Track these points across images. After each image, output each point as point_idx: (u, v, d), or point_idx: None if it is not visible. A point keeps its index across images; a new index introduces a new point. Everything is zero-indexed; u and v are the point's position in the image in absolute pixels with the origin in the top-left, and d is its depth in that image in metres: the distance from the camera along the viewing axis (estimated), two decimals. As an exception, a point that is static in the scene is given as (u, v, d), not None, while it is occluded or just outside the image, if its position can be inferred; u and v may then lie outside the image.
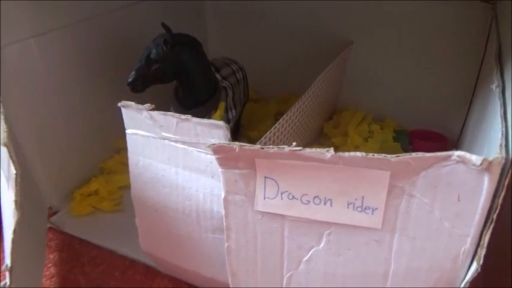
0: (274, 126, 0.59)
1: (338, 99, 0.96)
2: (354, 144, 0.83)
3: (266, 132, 0.58)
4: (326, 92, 0.81)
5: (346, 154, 0.35)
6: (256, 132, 0.86)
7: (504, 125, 0.38)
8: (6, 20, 0.59)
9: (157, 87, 0.65)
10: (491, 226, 0.34)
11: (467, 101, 0.80)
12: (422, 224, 0.37)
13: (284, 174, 0.39)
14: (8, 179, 0.46)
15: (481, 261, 0.35)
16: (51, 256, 0.65)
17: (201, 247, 0.50)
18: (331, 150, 0.36)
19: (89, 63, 0.74)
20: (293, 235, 0.41)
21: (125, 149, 0.51)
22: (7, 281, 0.42)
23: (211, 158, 0.43)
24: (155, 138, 0.47)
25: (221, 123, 0.41)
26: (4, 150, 0.43)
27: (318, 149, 0.36)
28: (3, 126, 0.45)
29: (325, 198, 0.38)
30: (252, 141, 0.84)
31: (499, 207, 0.34)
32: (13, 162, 0.42)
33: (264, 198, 0.40)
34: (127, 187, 0.71)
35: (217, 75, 0.72)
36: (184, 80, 0.65)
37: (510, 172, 0.34)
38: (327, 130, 0.89)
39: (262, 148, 0.37)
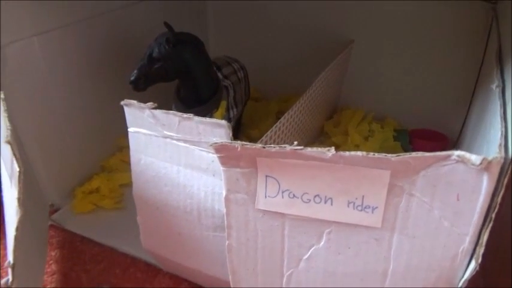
0: (275, 125, 0.60)
1: (339, 98, 0.96)
2: (354, 143, 0.84)
3: (267, 131, 0.59)
4: (327, 91, 0.81)
5: (347, 153, 0.36)
6: (257, 131, 0.87)
7: (504, 124, 0.38)
8: (8, 19, 0.59)
9: (158, 85, 0.65)
10: (490, 225, 0.35)
11: (468, 101, 0.81)
12: (422, 222, 0.37)
13: (285, 173, 0.39)
14: (11, 177, 0.46)
15: (480, 260, 0.35)
16: (53, 253, 0.65)
17: (202, 245, 0.50)
18: (332, 149, 0.36)
19: (91, 61, 0.74)
20: (293, 233, 0.41)
21: (127, 147, 0.51)
22: (9, 277, 0.42)
23: (212, 157, 0.44)
24: (157, 136, 0.47)
25: (223, 122, 0.42)
26: (8, 147, 0.43)
27: (319, 148, 0.36)
28: (7, 123, 0.45)
29: (325, 197, 0.39)
30: (253, 140, 0.85)
31: (497, 206, 0.34)
32: (16, 160, 0.42)
33: (265, 196, 0.40)
34: (128, 185, 0.72)
35: (219, 74, 0.72)
36: (186, 78, 0.65)
37: (509, 171, 0.34)
38: (328, 129, 0.90)
39: (264, 147, 0.38)
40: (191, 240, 0.51)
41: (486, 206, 0.34)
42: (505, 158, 0.32)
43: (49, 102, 0.68)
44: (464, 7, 0.77)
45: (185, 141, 0.46)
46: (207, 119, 0.43)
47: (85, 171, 0.78)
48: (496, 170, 0.32)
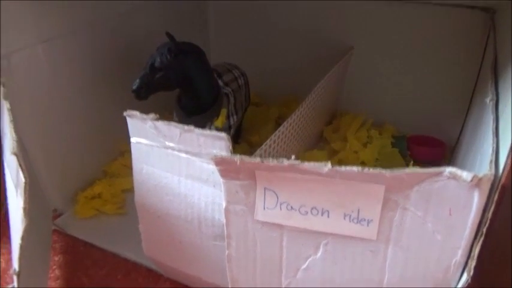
0: (274, 134, 0.61)
1: (338, 103, 0.97)
2: (352, 149, 0.85)
3: (267, 136, 0.60)
4: (326, 97, 0.82)
5: (343, 168, 0.37)
6: (257, 137, 0.88)
7: (495, 140, 0.39)
8: (13, 27, 0.60)
9: (160, 93, 0.66)
10: (482, 239, 0.36)
11: (465, 107, 0.82)
12: (416, 236, 0.38)
13: (283, 186, 0.40)
14: (16, 186, 0.47)
15: (472, 273, 0.37)
16: (56, 258, 0.66)
17: (202, 253, 0.51)
18: (329, 164, 0.37)
19: (94, 68, 0.75)
20: (291, 244, 0.43)
21: (128, 151, 0.52)
22: (15, 284, 0.44)
23: (213, 168, 0.45)
24: (159, 147, 0.48)
25: (223, 135, 0.43)
26: (14, 158, 0.44)
27: (316, 163, 0.37)
28: (13, 134, 0.46)
29: (322, 209, 0.40)
30: (253, 145, 0.86)
31: (488, 221, 0.35)
32: (22, 170, 0.44)
33: (264, 208, 0.42)
34: (130, 190, 0.73)
35: (219, 81, 0.73)
36: (188, 88, 0.66)
37: (499, 187, 0.35)
38: (327, 135, 0.91)
39: (262, 161, 0.39)
40: (192, 248, 0.52)
41: (477, 220, 0.35)
42: (495, 175, 0.34)
43: (53, 108, 0.69)
44: (463, 16, 0.78)
45: (186, 152, 0.47)
46: (208, 132, 0.44)
47: (87, 176, 0.79)
48: (486, 187, 0.34)
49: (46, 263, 0.61)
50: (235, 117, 0.74)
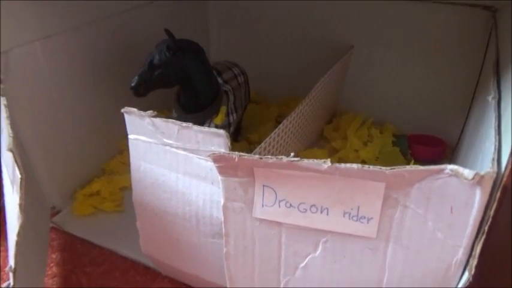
0: (274, 132, 0.60)
1: (338, 102, 0.97)
2: (353, 148, 0.84)
3: (267, 134, 0.59)
4: (327, 96, 0.81)
5: (342, 165, 0.36)
6: (257, 135, 0.87)
7: (497, 138, 0.38)
8: (11, 24, 0.60)
9: (159, 91, 0.66)
10: (483, 237, 0.35)
11: (466, 107, 0.81)
12: (416, 234, 0.38)
13: (282, 183, 0.39)
14: (12, 182, 0.47)
15: (473, 271, 0.36)
16: (54, 256, 0.66)
17: (200, 251, 0.51)
18: (328, 161, 0.37)
19: (93, 65, 0.75)
20: (290, 242, 0.42)
21: (127, 149, 0.52)
22: (11, 281, 0.43)
23: (211, 165, 0.44)
24: (157, 144, 0.48)
25: (221, 132, 0.42)
26: (10, 155, 0.44)
27: (315, 160, 0.37)
28: (9, 131, 0.46)
29: (321, 207, 0.39)
30: (253, 143, 0.86)
31: (490, 219, 0.35)
32: (18, 167, 0.43)
33: (262, 205, 0.41)
34: (128, 188, 0.73)
35: (219, 79, 0.73)
36: (186, 85, 0.66)
37: (501, 185, 0.34)
38: (327, 133, 0.90)
39: (261, 158, 0.38)
40: (189, 246, 0.51)
41: (479, 219, 0.35)
42: (497, 173, 0.33)
43: (51, 106, 0.69)
44: (465, 14, 0.77)
45: (184, 149, 0.46)
46: (206, 129, 0.43)
47: (86, 174, 0.79)
48: (488, 185, 0.33)
49: (43, 260, 0.61)
50: (234, 115, 0.74)
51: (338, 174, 0.37)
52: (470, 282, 0.37)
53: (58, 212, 0.74)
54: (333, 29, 0.91)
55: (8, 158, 0.45)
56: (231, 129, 0.74)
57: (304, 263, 0.43)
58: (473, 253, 0.36)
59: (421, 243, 0.38)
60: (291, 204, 0.40)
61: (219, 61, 0.80)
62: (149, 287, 0.61)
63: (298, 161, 0.37)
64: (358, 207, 0.38)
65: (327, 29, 0.91)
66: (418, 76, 0.87)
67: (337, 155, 0.83)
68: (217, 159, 0.40)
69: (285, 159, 0.37)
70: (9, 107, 0.52)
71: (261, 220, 0.42)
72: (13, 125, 0.49)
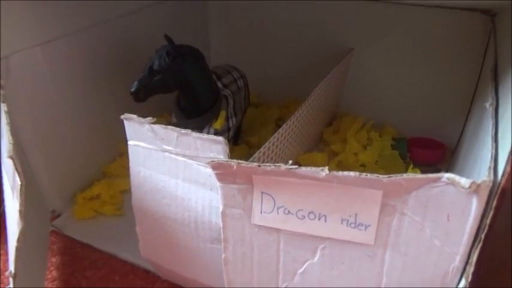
0: (273, 136, 0.60)
1: (338, 104, 0.97)
2: (352, 151, 0.84)
3: (266, 137, 0.60)
4: (326, 99, 0.82)
5: (340, 173, 0.36)
6: (257, 138, 0.87)
7: (494, 146, 0.39)
8: (12, 29, 0.60)
9: (159, 95, 0.66)
10: (480, 245, 0.35)
11: (466, 110, 0.81)
12: (414, 241, 0.38)
13: (280, 190, 0.40)
14: (13, 189, 0.47)
15: (470, 279, 0.36)
16: (54, 259, 0.66)
17: (199, 256, 0.51)
18: (326, 169, 0.37)
19: (94, 69, 0.75)
20: (289, 248, 0.42)
21: (127, 152, 0.52)
22: (11, 286, 0.43)
23: (210, 171, 0.44)
24: (156, 150, 0.48)
25: (220, 138, 0.42)
26: (10, 162, 0.44)
27: (313, 168, 0.37)
28: (10, 137, 0.46)
29: (319, 214, 0.40)
30: (253, 147, 0.86)
31: (487, 227, 0.35)
32: (18, 173, 0.43)
33: (261, 212, 0.41)
34: (129, 191, 0.73)
35: (219, 83, 0.73)
36: (186, 90, 0.66)
37: (498, 193, 0.35)
38: (327, 136, 0.90)
39: (259, 165, 0.38)
40: (189, 251, 0.52)
41: (475, 227, 0.35)
42: (494, 181, 0.33)
43: (52, 110, 0.69)
44: (464, 18, 0.77)
45: (183, 155, 0.46)
46: (205, 135, 0.43)
47: (86, 177, 0.79)
48: (485, 193, 0.33)
49: (43, 264, 0.61)
50: (234, 119, 0.74)
51: (336, 181, 0.37)
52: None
53: (58, 216, 0.74)
54: (333, 32, 0.91)
55: (8, 164, 0.46)
56: (231, 133, 0.74)
57: (303, 269, 0.43)
58: (470, 260, 0.36)
59: (418, 251, 0.38)
60: (289, 211, 0.40)
61: (218, 65, 0.81)
62: (149, 291, 0.61)
63: (296, 168, 0.37)
64: (356, 215, 0.38)
65: (328, 32, 0.91)
66: (417, 79, 0.87)
67: (336, 159, 0.83)
68: (216, 166, 0.40)
69: (283, 166, 0.38)
70: (9, 112, 0.52)
71: (260, 227, 0.42)
72: (13, 130, 0.49)
